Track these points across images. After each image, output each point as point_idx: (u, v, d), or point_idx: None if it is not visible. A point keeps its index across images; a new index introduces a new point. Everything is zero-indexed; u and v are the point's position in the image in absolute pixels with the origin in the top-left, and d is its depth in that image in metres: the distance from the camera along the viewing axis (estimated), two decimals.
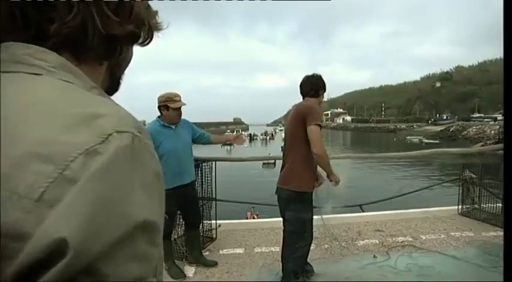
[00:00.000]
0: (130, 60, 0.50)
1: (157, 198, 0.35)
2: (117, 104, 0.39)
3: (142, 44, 0.48)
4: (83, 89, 0.37)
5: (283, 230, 2.54)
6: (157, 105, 2.75)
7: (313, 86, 2.49)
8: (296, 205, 2.37)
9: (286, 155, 2.47)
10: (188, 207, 2.92)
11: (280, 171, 2.52)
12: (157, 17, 0.48)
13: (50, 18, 0.37)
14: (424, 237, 3.53)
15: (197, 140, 2.96)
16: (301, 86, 2.53)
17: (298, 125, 2.35)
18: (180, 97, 2.76)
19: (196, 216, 3.05)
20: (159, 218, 0.34)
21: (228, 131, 63.14)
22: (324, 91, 2.55)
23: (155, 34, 0.49)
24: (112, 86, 0.50)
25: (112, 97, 0.48)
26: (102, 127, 0.32)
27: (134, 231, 0.30)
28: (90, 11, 0.38)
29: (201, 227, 3.46)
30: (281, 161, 2.58)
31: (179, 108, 2.74)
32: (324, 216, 2.96)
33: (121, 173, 0.31)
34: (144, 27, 0.45)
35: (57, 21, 0.37)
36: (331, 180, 2.43)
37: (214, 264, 2.96)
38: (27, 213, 0.27)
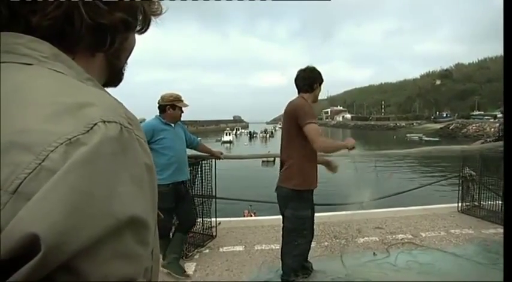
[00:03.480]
0: (131, 49, 0.48)
1: (149, 193, 0.33)
2: (111, 96, 0.37)
3: (140, 32, 0.45)
4: (75, 80, 0.36)
5: (282, 228, 2.54)
6: (162, 103, 2.77)
7: (306, 80, 2.42)
8: (295, 203, 2.37)
9: (283, 153, 2.47)
10: (182, 207, 2.86)
11: (280, 170, 2.52)
12: (155, 2, 0.45)
13: (34, 10, 0.35)
14: (424, 235, 3.53)
15: (187, 142, 2.99)
16: (295, 81, 2.48)
17: (290, 124, 2.34)
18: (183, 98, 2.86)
19: (189, 219, 2.95)
20: (150, 214, 0.32)
21: (228, 128, 63.10)
22: (320, 84, 2.46)
23: (154, 20, 0.46)
24: (113, 76, 0.49)
25: (113, 93, 0.47)
26: (88, 116, 0.30)
27: (120, 228, 0.28)
28: (74, 0, 0.36)
29: (200, 225, 3.48)
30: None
31: (182, 108, 2.83)
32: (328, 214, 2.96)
33: (105, 164, 0.29)
34: (138, 14, 0.42)
35: (39, 13, 0.35)
36: (349, 149, 2.33)
37: (182, 275, 2.71)
38: (3, 206, 0.26)
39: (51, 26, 0.36)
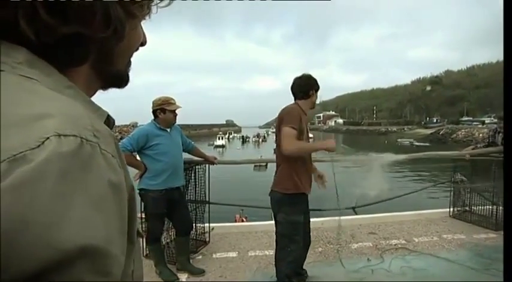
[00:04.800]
0: (130, 50, 0.46)
1: (115, 215, 0.30)
2: (81, 105, 0.34)
3: (112, 40, 0.40)
4: (47, 88, 0.33)
5: (275, 233, 2.52)
6: (152, 108, 2.74)
7: (301, 87, 2.45)
8: (286, 208, 2.36)
9: (277, 158, 2.47)
10: (177, 212, 2.86)
11: (274, 175, 2.52)
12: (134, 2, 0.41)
13: None
14: (417, 240, 3.55)
15: (183, 146, 2.96)
16: (292, 88, 2.50)
17: (279, 128, 2.35)
18: (174, 100, 2.79)
19: (186, 222, 2.96)
20: (114, 240, 0.29)
21: (220, 132, 62.90)
22: (316, 90, 2.48)
23: (146, 18, 0.43)
24: (111, 80, 0.46)
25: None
26: (43, 129, 0.27)
27: (67, 260, 0.25)
28: (12, 11, 0.32)
29: (193, 230, 3.43)
30: (273, 163, 2.58)
31: (175, 111, 2.77)
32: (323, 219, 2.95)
33: (51, 185, 0.25)
34: (101, 21, 0.37)
35: None
36: (328, 150, 2.36)
37: (201, 272, 2.85)
38: None
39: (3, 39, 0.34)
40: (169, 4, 0.46)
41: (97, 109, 0.40)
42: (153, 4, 0.44)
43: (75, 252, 0.25)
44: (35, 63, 0.34)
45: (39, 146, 0.26)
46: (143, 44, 0.48)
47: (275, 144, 2.56)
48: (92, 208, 0.27)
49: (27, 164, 0.25)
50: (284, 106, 2.50)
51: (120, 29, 0.39)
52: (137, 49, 0.48)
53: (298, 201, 2.38)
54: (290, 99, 2.55)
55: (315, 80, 2.49)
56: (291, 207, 2.35)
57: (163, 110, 2.71)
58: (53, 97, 0.32)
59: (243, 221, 8.03)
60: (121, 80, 0.48)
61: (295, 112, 2.32)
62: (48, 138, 0.27)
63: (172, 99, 2.78)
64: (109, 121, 0.41)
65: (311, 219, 2.63)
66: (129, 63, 0.48)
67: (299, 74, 2.54)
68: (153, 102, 2.75)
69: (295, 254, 2.43)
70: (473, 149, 4.34)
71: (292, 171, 2.34)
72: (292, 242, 2.39)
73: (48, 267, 0.24)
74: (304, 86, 2.45)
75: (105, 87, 0.47)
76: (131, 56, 0.47)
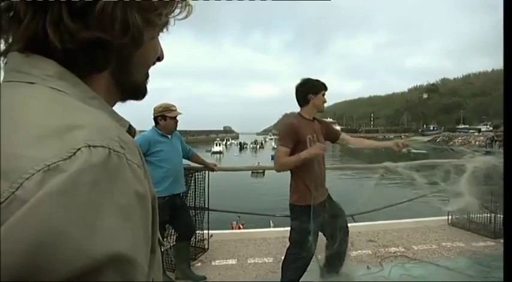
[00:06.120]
0: (148, 61, 0.46)
1: (140, 224, 0.30)
2: (108, 116, 0.35)
3: (130, 47, 0.41)
4: (74, 99, 0.34)
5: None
6: (153, 115, 2.76)
7: (298, 94, 2.44)
8: (293, 217, 2.39)
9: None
10: (180, 218, 2.86)
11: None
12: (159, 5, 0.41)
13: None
14: (416, 248, 3.55)
15: (183, 152, 2.97)
16: (295, 97, 2.49)
17: None
18: (175, 107, 2.81)
19: (189, 227, 2.97)
20: (140, 249, 0.30)
21: (218, 139, 62.87)
22: (315, 93, 2.39)
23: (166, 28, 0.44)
24: (129, 92, 0.47)
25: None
26: (74, 140, 0.28)
27: (98, 268, 0.25)
28: (42, 20, 0.34)
29: (193, 237, 3.41)
30: (271, 170, 2.59)
31: (176, 117, 2.79)
32: None
33: (84, 195, 0.26)
34: (119, 26, 0.37)
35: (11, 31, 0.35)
36: (316, 155, 2.27)
37: (202, 279, 2.82)
38: None
39: (27, 47, 0.35)
40: (187, 16, 0.46)
41: (119, 119, 0.41)
42: (171, 16, 0.45)
43: (105, 260, 0.26)
44: (63, 75, 0.36)
45: (70, 156, 0.27)
46: (160, 58, 0.49)
47: (273, 152, 2.57)
48: (120, 218, 0.28)
49: (60, 174, 0.26)
50: (283, 114, 2.50)
51: (137, 36, 0.40)
52: (154, 63, 0.48)
53: (304, 211, 2.35)
54: (287, 106, 2.64)
55: (313, 83, 2.43)
56: (298, 217, 2.35)
57: (164, 116, 2.73)
58: (82, 109, 0.33)
59: (239, 228, 8.01)
60: (139, 92, 0.48)
61: (286, 129, 2.35)
62: (79, 149, 0.27)
63: (173, 106, 2.80)
64: (130, 131, 0.42)
65: None
66: (147, 75, 0.48)
67: (297, 81, 2.51)
68: (154, 109, 2.77)
69: (301, 262, 2.40)
70: (470, 157, 4.38)
71: (297, 184, 2.36)
72: (302, 250, 2.36)
73: (79, 275, 0.25)
74: (301, 93, 2.43)
75: (123, 99, 0.48)
76: (149, 67, 0.48)
